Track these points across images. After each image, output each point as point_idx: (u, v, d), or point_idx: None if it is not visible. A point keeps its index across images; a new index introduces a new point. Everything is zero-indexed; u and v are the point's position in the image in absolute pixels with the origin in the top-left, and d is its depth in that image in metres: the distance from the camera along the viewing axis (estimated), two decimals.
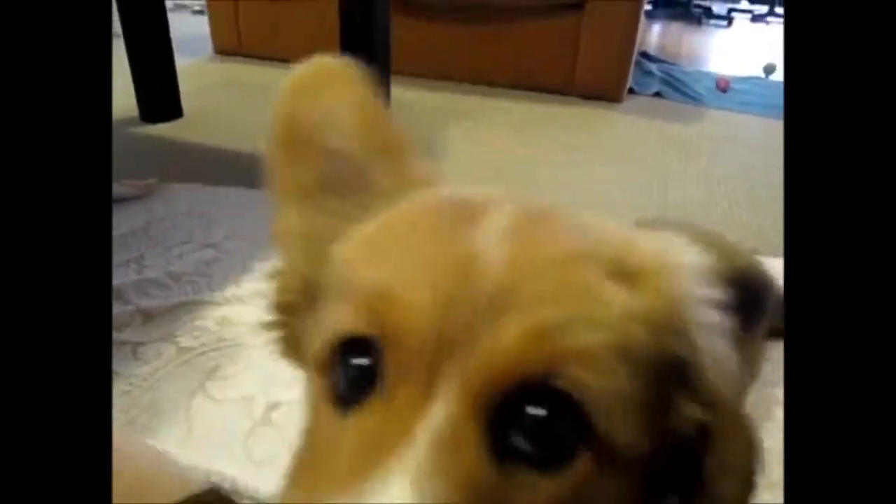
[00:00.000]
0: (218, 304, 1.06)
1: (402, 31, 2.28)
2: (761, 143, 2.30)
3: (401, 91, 1.89)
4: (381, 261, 0.31)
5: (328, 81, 0.39)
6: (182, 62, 2.07)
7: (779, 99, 2.94)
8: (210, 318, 1.02)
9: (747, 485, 0.32)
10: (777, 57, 3.77)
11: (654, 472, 0.31)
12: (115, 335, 0.98)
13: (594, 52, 2.53)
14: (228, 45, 3.07)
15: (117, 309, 1.02)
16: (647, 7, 5.94)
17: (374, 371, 0.29)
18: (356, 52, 1.55)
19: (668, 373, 0.30)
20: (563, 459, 0.28)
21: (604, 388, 0.27)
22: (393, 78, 1.78)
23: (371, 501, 0.24)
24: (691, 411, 0.31)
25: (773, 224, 1.57)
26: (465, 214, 0.31)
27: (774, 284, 0.47)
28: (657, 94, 2.78)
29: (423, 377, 0.27)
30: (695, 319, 0.31)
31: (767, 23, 6.48)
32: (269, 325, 0.41)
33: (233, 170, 1.63)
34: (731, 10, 6.43)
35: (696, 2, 6.27)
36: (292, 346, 0.40)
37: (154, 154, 1.80)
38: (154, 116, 1.95)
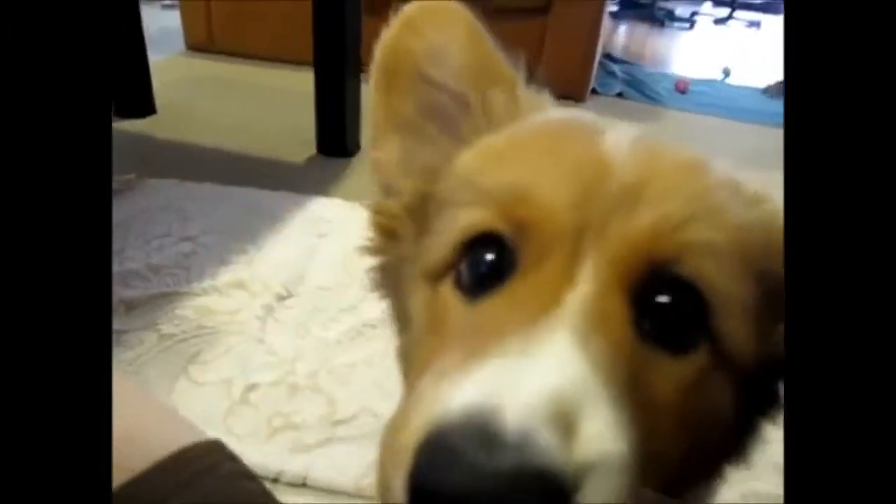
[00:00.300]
0: (196, 294, 1.11)
1: (374, 33, 2.34)
2: (716, 143, 2.41)
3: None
4: (512, 166, 0.33)
5: (437, 19, 0.40)
6: (154, 58, 2.09)
7: (735, 101, 3.07)
8: (189, 308, 1.07)
9: None
10: (735, 60, 3.91)
11: (753, 391, 0.32)
12: None
13: (559, 55, 2.62)
14: (200, 42, 3.08)
15: None
16: (613, 8, 6.08)
17: (503, 265, 0.30)
18: (328, 50, 1.62)
19: (778, 293, 0.28)
20: (686, 347, 0.29)
21: (724, 285, 0.29)
22: (363, 77, 1.84)
23: (536, 363, 0.24)
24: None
25: None
26: (591, 129, 0.34)
27: None
28: (619, 95, 2.88)
29: (563, 259, 0.29)
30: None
31: (728, 25, 6.67)
32: (371, 250, 0.42)
33: (207, 166, 1.68)
34: (693, 13, 6.59)
35: (659, 4, 6.42)
36: (389, 276, 0.41)
37: (128, 150, 1.82)
38: (127, 112, 1.98)
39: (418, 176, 0.39)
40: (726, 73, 3.67)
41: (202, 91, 2.46)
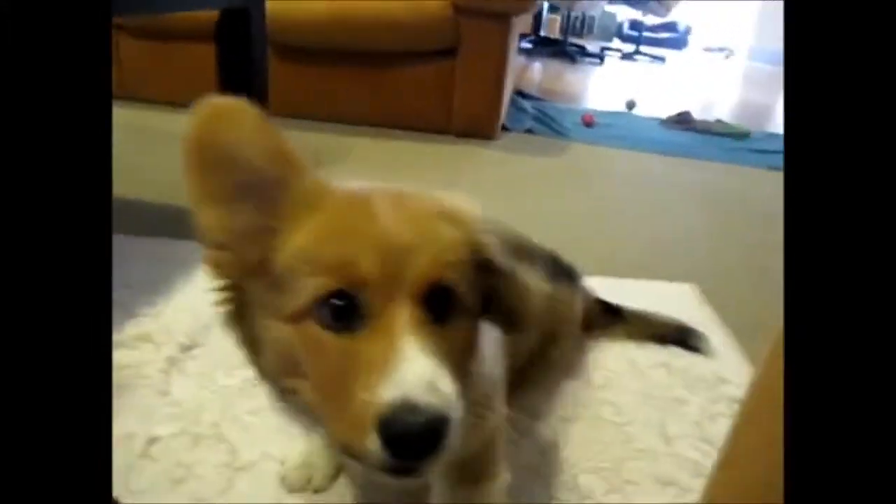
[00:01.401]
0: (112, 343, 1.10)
1: (280, 75, 2.37)
2: (618, 171, 2.55)
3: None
4: (337, 245, 0.50)
5: (235, 118, 0.51)
6: None
7: (638, 132, 3.25)
8: None
9: (524, 298, 0.60)
10: (639, 93, 4.14)
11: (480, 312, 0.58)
12: None
13: (468, 94, 2.73)
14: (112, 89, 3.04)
15: None
16: (528, 46, 6.33)
17: (349, 310, 0.49)
18: (235, 94, 1.62)
19: (476, 267, 0.54)
20: (450, 315, 0.52)
21: (459, 277, 0.52)
22: (273, 120, 1.86)
23: (415, 366, 0.46)
24: (490, 282, 0.56)
25: (625, 242, 1.77)
26: (369, 203, 0.52)
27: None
28: (529, 131, 3.01)
29: (389, 301, 0.49)
30: (486, 242, 0.56)
31: (635, 60, 7.06)
32: (221, 299, 0.56)
33: (118, 218, 1.65)
34: (603, 49, 6.96)
35: (571, 41, 6.74)
36: (238, 313, 0.56)
37: None
38: None
39: (241, 239, 0.53)
40: (630, 105, 3.88)
41: (113, 139, 2.42)
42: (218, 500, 0.83)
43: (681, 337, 1.27)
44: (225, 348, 1.13)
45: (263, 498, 0.83)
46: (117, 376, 1.04)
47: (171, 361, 1.08)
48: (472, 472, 0.72)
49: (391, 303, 0.48)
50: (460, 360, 0.53)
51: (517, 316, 0.61)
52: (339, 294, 0.49)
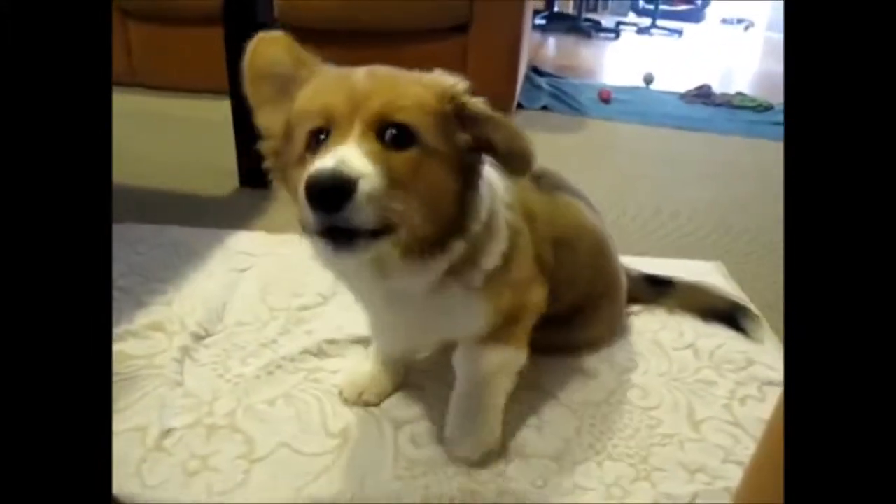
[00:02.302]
0: (112, 340, 1.08)
1: None
2: (637, 148, 2.49)
3: None
4: (319, 96, 0.66)
5: (268, 43, 0.73)
6: None
7: (656, 107, 3.17)
8: None
9: (516, 137, 0.68)
10: (657, 67, 4.04)
11: (468, 166, 0.70)
12: None
13: (481, 71, 2.66)
14: (121, 76, 3.02)
15: None
16: (541, 22, 6.23)
17: (327, 139, 0.64)
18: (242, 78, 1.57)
19: (449, 120, 0.67)
20: (407, 147, 0.64)
21: (418, 119, 0.64)
22: None
23: (337, 152, 0.60)
24: (469, 140, 0.68)
25: (646, 221, 1.73)
26: (348, 71, 0.68)
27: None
28: (545, 108, 2.95)
29: (347, 126, 0.63)
30: (458, 92, 0.68)
31: (651, 34, 6.91)
32: (270, 165, 0.74)
33: (127, 205, 1.64)
34: (619, 24, 6.82)
35: (586, 16, 6.60)
36: (279, 173, 0.73)
37: None
38: None
39: (282, 122, 0.71)
40: (648, 80, 3.79)
41: (122, 127, 2.41)
42: (234, 492, 0.81)
43: (732, 314, 1.22)
44: (238, 337, 1.11)
45: (280, 490, 0.81)
46: (129, 367, 1.03)
47: (184, 351, 1.06)
48: (493, 337, 0.83)
49: (349, 127, 0.63)
50: (421, 191, 0.64)
51: (516, 155, 0.69)
52: (320, 130, 0.65)
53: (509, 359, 0.87)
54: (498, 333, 0.83)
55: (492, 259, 0.76)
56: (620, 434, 0.94)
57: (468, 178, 0.70)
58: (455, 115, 0.67)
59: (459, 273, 0.74)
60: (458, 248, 0.71)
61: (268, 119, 0.73)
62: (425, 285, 0.74)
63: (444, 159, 0.66)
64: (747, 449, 0.92)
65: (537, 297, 0.88)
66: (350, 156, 0.60)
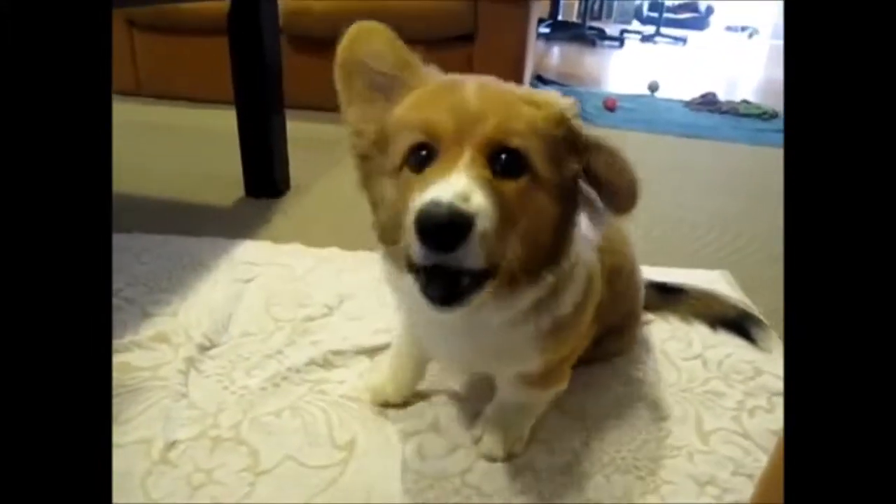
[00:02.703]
0: (117, 351, 1.08)
1: (296, 67, 2.34)
2: (642, 156, 2.48)
3: (299, 124, 1.94)
4: (424, 110, 0.62)
5: (369, 33, 0.67)
6: None
7: (661, 115, 3.17)
8: None
9: (623, 171, 0.63)
10: (661, 75, 4.04)
11: (571, 195, 0.65)
12: None
13: None
14: (128, 87, 3.04)
15: None
16: (546, 31, 6.24)
17: (430, 156, 0.60)
18: (248, 88, 1.62)
19: (560, 147, 0.62)
20: (518, 175, 0.60)
21: (532, 145, 0.60)
22: (289, 112, 1.84)
23: (453, 182, 0.56)
24: (578, 163, 0.64)
25: (652, 230, 1.72)
26: (458, 83, 0.64)
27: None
28: None
29: (456, 149, 0.59)
30: (572, 121, 0.63)
31: (655, 42, 6.92)
32: (357, 166, 0.70)
33: (133, 215, 1.64)
34: (623, 32, 6.83)
35: (590, 24, 6.62)
36: (364, 178, 0.69)
37: None
38: None
39: (375, 123, 0.67)
40: (653, 88, 3.79)
41: (128, 137, 2.42)
42: None
43: (742, 323, 1.21)
44: (244, 348, 1.11)
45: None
46: (134, 378, 1.02)
47: (189, 362, 1.05)
48: (542, 377, 0.83)
49: (459, 150, 0.59)
50: (526, 222, 0.60)
51: (623, 191, 0.64)
52: (422, 146, 0.61)
53: (553, 393, 0.90)
54: (548, 374, 0.83)
55: (565, 306, 0.72)
56: (629, 446, 0.93)
57: (569, 207, 0.65)
58: (565, 141, 0.62)
59: (535, 312, 0.70)
60: (548, 281, 0.66)
61: (359, 118, 0.68)
62: (507, 318, 0.69)
63: (552, 188, 0.61)
64: (757, 461, 0.91)
65: (587, 339, 0.89)
66: (467, 188, 0.54)
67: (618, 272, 0.92)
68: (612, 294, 0.89)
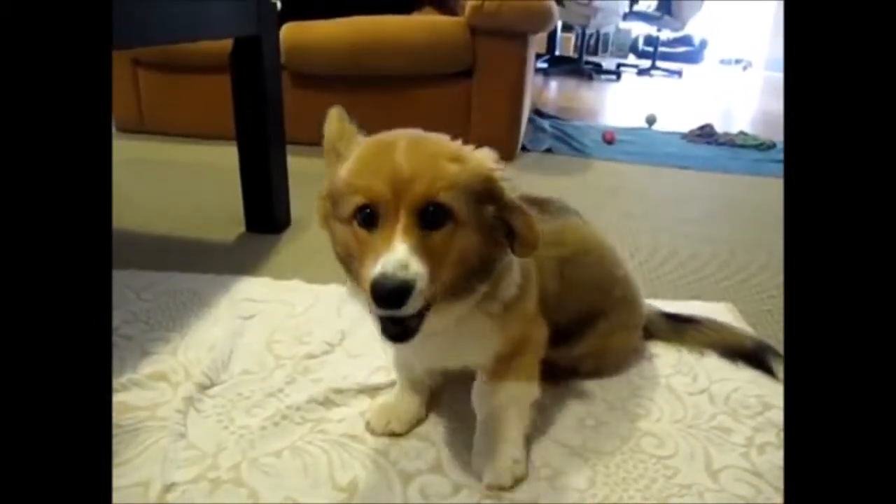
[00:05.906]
0: (115, 390, 1.06)
1: (297, 103, 2.37)
2: (641, 188, 2.49)
3: (300, 160, 1.95)
4: (364, 176, 0.72)
5: (332, 116, 0.82)
6: None
7: (660, 147, 3.19)
8: None
9: (529, 227, 0.76)
10: (658, 108, 4.08)
11: (492, 237, 0.76)
12: None
13: (485, 115, 2.70)
14: (131, 123, 3.07)
15: None
16: (543, 65, 6.32)
17: (374, 215, 0.71)
18: (250, 124, 1.64)
19: (479, 196, 0.73)
20: (443, 224, 0.71)
21: (454, 199, 0.71)
22: (290, 148, 1.85)
23: (395, 254, 0.67)
24: (495, 211, 0.75)
25: (654, 261, 1.72)
26: (390, 143, 0.74)
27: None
28: (548, 150, 2.97)
29: (393, 213, 0.70)
30: (492, 175, 0.75)
31: (651, 76, 7.01)
32: (316, 209, 0.81)
33: (133, 252, 1.64)
34: (619, 66, 6.92)
35: (586, 59, 6.71)
36: (323, 219, 0.81)
37: None
38: None
39: (328, 181, 0.79)
40: (650, 120, 3.82)
41: (130, 173, 2.43)
42: None
43: (757, 354, 1.20)
44: (244, 386, 1.09)
45: None
46: (132, 418, 1.01)
47: (188, 401, 1.04)
48: (504, 369, 0.91)
49: (396, 213, 0.70)
50: (452, 258, 0.73)
51: (525, 242, 0.77)
52: (365, 206, 0.72)
53: (520, 392, 0.93)
54: (507, 366, 0.90)
55: (509, 290, 0.84)
56: (636, 485, 0.91)
57: (491, 235, 0.77)
58: (486, 192, 0.74)
59: (481, 303, 0.82)
60: (483, 288, 0.79)
61: (328, 182, 0.81)
62: (452, 322, 0.81)
63: (474, 228, 0.74)
64: (769, 500, 0.89)
65: (539, 334, 0.95)
66: (404, 258, 0.67)
67: (569, 263, 1.03)
68: (564, 284, 1.01)
